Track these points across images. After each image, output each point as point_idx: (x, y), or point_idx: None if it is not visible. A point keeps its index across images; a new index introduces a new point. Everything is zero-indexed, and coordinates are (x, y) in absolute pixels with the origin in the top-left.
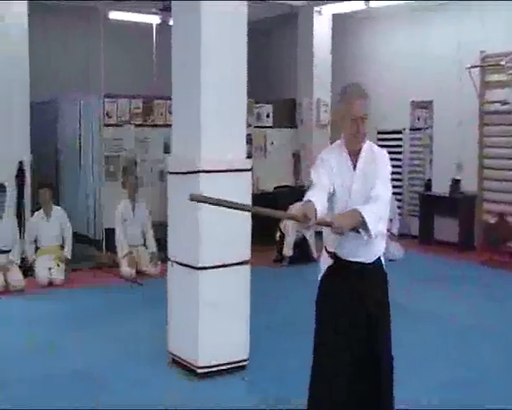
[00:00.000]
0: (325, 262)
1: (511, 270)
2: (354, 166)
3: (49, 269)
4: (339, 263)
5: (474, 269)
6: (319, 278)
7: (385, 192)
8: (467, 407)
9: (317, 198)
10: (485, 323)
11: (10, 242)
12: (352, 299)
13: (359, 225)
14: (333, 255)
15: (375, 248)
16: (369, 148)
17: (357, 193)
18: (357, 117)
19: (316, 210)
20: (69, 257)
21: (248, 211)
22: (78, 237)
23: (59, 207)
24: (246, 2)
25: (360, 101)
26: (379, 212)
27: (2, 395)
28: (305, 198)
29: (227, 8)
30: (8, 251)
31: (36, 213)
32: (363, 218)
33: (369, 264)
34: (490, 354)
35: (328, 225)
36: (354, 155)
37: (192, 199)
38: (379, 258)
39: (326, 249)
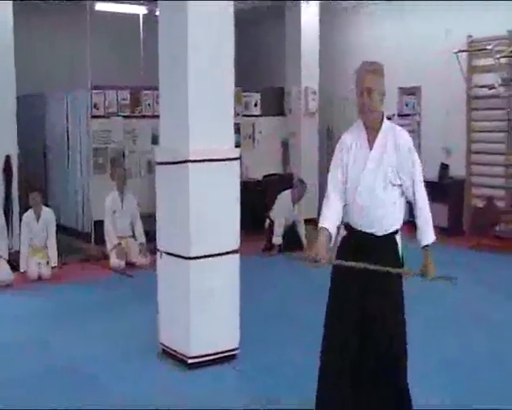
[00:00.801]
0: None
1: (500, 254)
2: (371, 147)
3: (39, 264)
4: (352, 234)
5: (463, 254)
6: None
7: (421, 178)
8: (455, 392)
9: (330, 215)
10: (474, 307)
11: None
12: (359, 280)
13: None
14: (348, 226)
15: (387, 221)
16: (389, 128)
17: (371, 173)
18: (363, 89)
19: (329, 238)
20: (53, 264)
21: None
22: (66, 230)
23: (48, 209)
24: None
25: (365, 74)
26: (427, 209)
27: None
28: (322, 212)
29: None
30: None
31: (26, 213)
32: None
33: (381, 236)
34: (479, 339)
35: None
36: (373, 133)
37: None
38: (393, 233)
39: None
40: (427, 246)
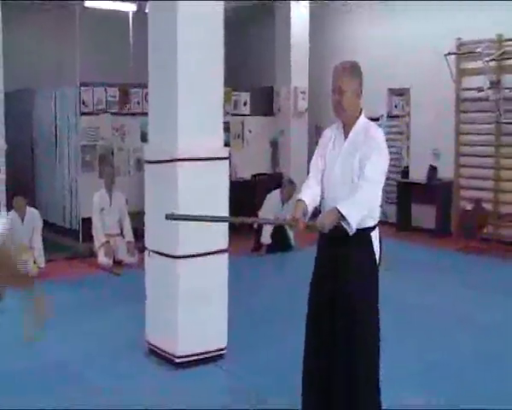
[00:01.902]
0: None
1: (487, 257)
2: (346, 138)
3: (25, 262)
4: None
5: (450, 256)
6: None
7: (372, 174)
8: (440, 393)
9: (309, 192)
10: (461, 310)
11: None
12: (329, 273)
13: (341, 220)
14: None
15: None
16: (363, 123)
17: (340, 168)
18: (335, 88)
19: (306, 208)
20: (40, 265)
21: (232, 222)
22: (54, 227)
23: (33, 210)
24: None
25: (338, 73)
26: (361, 199)
27: None
28: (301, 190)
29: None
30: None
31: (10, 213)
32: (341, 214)
33: (352, 235)
34: (466, 342)
35: (314, 227)
36: (348, 128)
37: (167, 217)
38: (365, 229)
39: None
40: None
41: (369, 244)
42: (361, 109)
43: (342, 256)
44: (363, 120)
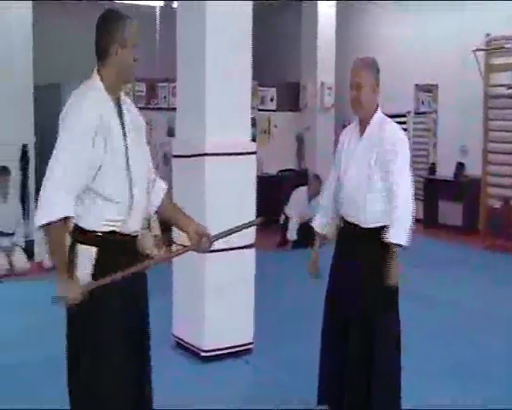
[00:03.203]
0: None
1: None
2: (362, 135)
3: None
4: (343, 225)
5: (478, 253)
6: None
7: (403, 186)
8: (470, 391)
9: (323, 219)
10: (489, 308)
11: (14, 225)
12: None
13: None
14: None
15: (371, 214)
16: (379, 119)
17: (356, 164)
18: (352, 84)
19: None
20: None
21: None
22: None
23: None
24: None
25: (356, 69)
26: (404, 215)
27: (6, 379)
28: (317, 215)
29: None
30: (11, 234)
31: None
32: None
33: (366, 228)
34: (493, 339)
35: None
36: (365, 126)
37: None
38: (380, 228)
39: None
40: (392, 246)
41: (382, 244)
42: (377, 105)
43: (362, 257)
44: (378, 115)
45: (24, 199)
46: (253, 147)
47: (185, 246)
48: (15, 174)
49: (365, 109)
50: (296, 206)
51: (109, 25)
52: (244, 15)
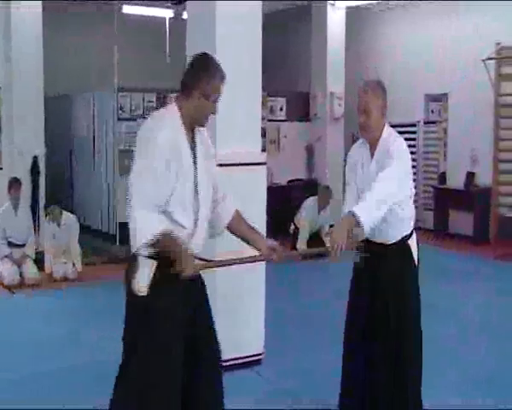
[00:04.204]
0: None
1: None
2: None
3: (65, 263)
4: (365, 245)
5: (489, 263)
6: None
7: (389, 173)
8: (480, 407)
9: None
10: (499, 318)
11: (25, 236)
12: (369, 289)
13: (355, 225)
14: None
15: (394, 230)
16: (385, 138)
17: (370, 180)
18: (360, 109)
19: None
20: (79, 268)
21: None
22: (92, 231)
23: (70, 215)
24: None
25: (363, 94)
26: (378, 196)
27: (21, 391)
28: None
29: (242, 1)
30: (22, 245)
31: (47, 220)
32: (355, 216)
33: (390, 245)
34: (504, 350)
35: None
36: (374, 147)
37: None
38: (404, 239)
39: None
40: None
41: (407, 253)
42: (383, 124)
43: (382, 271)
44: (386, 133)
45: (34, 210)
46: (263, 157)
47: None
48: (26, 185)
49: (374, 133)
50: (306, 216)
51: (200, 71)
52: (254, 25)
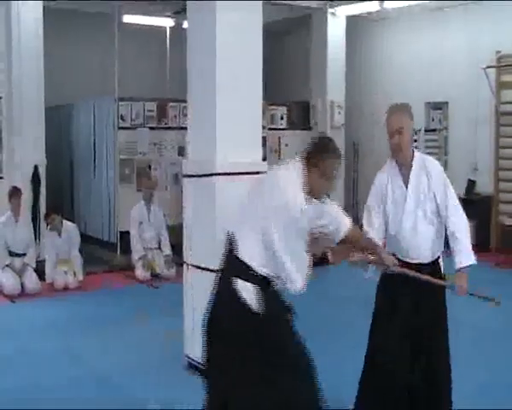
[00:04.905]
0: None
1: None
2: (406, 184)
3: (65, 273)
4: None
5: (490, 271)
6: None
7: (456, 207)
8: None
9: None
10: (502, 326)
11: (26, 245)
12: (406, 307)
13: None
14: (394, 256)
15: (431, 251)
16: (420, 161)
17: (411, 214)
18: (394, 130)
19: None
20: (80, 277)
21: None
22: (92, 240)
23: (71, 224)
24: (261, 4)
25: (395, 115)
26: (467, 234)
27: (20, 401)
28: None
29: (242, 10)
30: (23, 255)
31: (47, 230)
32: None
33: (426, 264)
34: (508, 358)
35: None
36: (405, 169)
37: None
38: (437, 259)
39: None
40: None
41: (439, 270)
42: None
43: (421, 290)
44: (417, 158)
45: (35, 220)
46: (264, 166)
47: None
48: (27, 195)
49: (405, 153)
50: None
51: (320, 154)
52: (254, 34)
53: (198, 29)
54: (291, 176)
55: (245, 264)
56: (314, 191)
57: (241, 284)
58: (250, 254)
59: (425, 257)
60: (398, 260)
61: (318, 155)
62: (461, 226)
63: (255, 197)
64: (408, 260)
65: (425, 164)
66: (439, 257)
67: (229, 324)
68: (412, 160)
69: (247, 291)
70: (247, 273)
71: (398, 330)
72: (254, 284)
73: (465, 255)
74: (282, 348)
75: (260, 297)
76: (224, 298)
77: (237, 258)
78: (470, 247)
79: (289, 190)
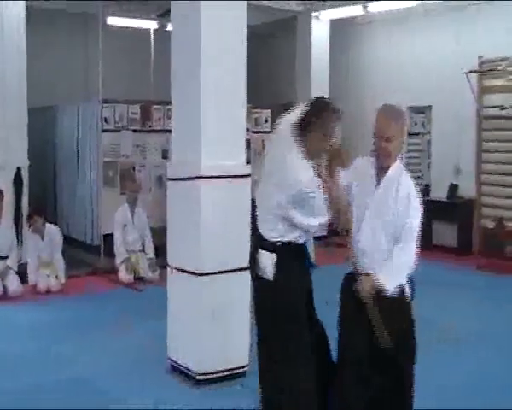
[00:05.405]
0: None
1: (509, 275)
2: (378, 182)
3: (48, 276)
4: (355, 275)
5: (472, 274)
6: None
7: (409, 235)
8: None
9: None
10: (483, 328)
11: (8, 248)
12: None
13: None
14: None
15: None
16: (398, 170)
17: (373, 210)
18: (382, 136)
19: None
20: (62, 281)
21: None
22: (75, 243)
23: (53, 227)
24: (245, 6)
25: (386, 121)
26: (399, 264)
27: None
28: None
29: (227, 12)
30: (5, 257)
31: (30, 232)
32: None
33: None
34: (489, 360)
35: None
36: (382, 172)
37: None
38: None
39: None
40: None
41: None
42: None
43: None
44: (396, 166)
45: (18, 222)
46: (248, 169)
47: None
48: (9, 197)
49: (392, 159)
50: None
51: (320, 113)
52: (239, 37)
53: (182, 32)
54: (297, 158)
55: (262, 236)
56: (314, 154)
57: (260, 253)
58: (267, 227)
59: (380, 270)
60: (356, 269)
61: (317, 116)
62: (400, 256)
63: (268, 178)
64: (364, 270)
65: (399, 179)
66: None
67: (255, 291)
68: (391, 166)
69: (266, 259)
70: (265, 243)
71: (364, 327)
72: (271, 251)
73: (385, 275)
74: (291, 320)
75: (278, 265)
76: (252, 266)
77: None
78: (394, 279)
79: (301, 175)
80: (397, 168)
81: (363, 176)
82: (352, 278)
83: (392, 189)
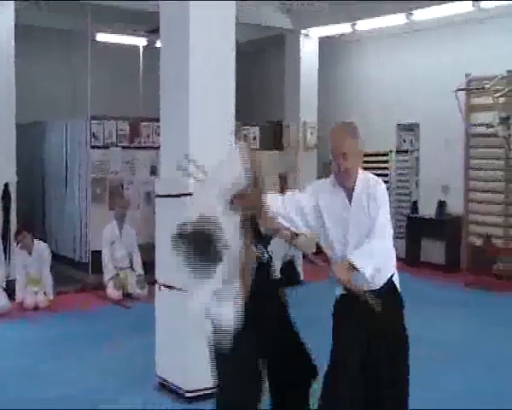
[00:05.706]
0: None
1: (496, 292)
2: (350, 201)
3: (36, 293)
4: (349, 292)
5: (460, 291)
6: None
7: (380, 231)
8: None
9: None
10: (472, 346)
11: None
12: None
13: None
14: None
15: (380, 273)
16: (364, 182)
17: (355, 229)
18: (339, 154)
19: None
20: (50, 297)
21: None
22: (64, 260)
23: (42, 243)
24: (234, 24)
25: (340, 137)
26: (371, 250)
27: None
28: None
29: (215, 29)
30: None
31: (18, 248)
32: (353, 266)
33: (379, 289)
34: (477, 377)
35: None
36: (349, 190)
37: None
38: (390, 279)
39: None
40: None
41: (395, 292)
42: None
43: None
44: (361, 177)
45: (5, 238)
46: None
47: None
48: None
49: (352, 178)
50: (279, 245)
51: None
52: (227, 55)
53: (171, 49)
54: None
55: None
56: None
57: None
58: None
59: (375, 281)
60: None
61: None
62: (371, 243)
63: None
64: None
65: (368, 184)
66: (392, 275)
67: None
68: (355, 181)
69: None
70: None
71: (353, 371)
72: None
73: (357, 258)
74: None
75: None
76: None
77: None
78: (368, 261)
79: None
80: (362, 181)
81: (328, 194)
82: (345, 298)
83: (363, 204)
